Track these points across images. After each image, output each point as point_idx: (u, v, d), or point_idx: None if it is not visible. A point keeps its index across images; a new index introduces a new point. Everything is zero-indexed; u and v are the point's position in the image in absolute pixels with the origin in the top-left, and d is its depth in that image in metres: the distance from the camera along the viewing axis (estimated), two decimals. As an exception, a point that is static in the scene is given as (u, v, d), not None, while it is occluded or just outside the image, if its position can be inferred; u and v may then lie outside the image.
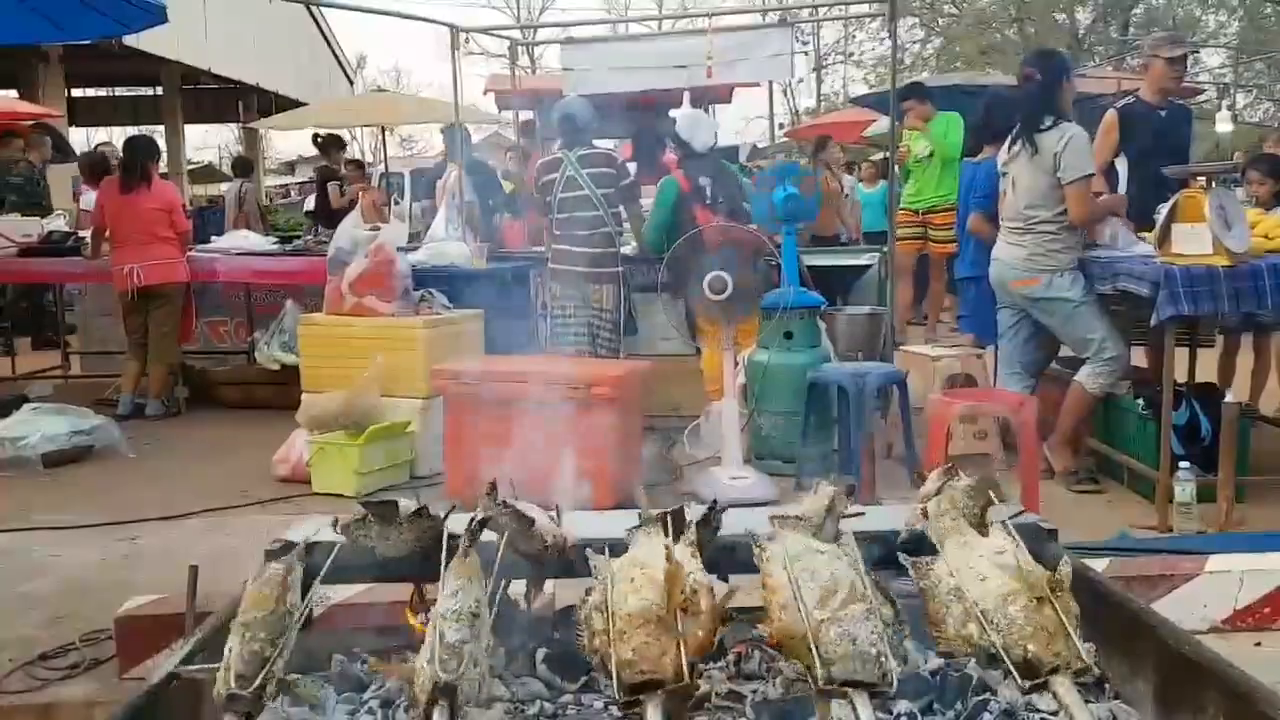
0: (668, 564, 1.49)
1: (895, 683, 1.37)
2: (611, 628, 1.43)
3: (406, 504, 1.79)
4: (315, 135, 11.61)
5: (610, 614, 1.45)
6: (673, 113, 6.97)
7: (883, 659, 1.37)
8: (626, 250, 5.87)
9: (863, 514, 1.78)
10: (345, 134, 12.07)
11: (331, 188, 10.32)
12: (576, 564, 1.74)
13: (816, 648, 1.38)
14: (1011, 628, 1.43)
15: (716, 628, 1.48)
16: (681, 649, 1.40)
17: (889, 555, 1.73)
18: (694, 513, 1.75)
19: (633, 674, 1.38)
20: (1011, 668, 1.40)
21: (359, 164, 12.78)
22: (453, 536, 1.66)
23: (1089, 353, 4.64)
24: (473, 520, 1.68)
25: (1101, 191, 5.00)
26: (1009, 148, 4.77)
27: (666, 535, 1.66)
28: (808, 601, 1.45)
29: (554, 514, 1.87)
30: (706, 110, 10.01)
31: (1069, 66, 5.03)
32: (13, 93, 13.74)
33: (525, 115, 8.84)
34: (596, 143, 6.01)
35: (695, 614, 1.46)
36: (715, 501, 1.81)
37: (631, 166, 7.64)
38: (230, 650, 1.48)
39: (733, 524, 1.80)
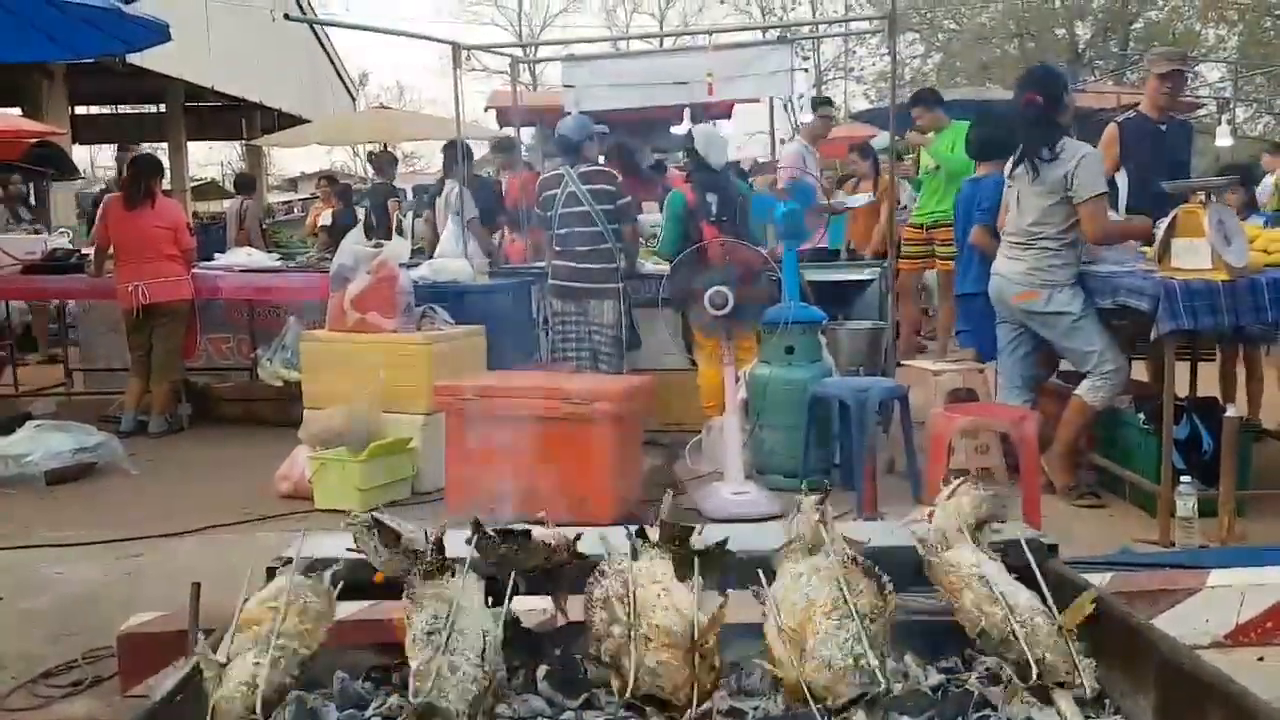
0: (710, 616, 1.53)
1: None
2: (633, 623, 1.48)
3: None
4: (371, 153, 11.77)
5: (633, 612, 1.51)
6: (682, 129, 6.98)
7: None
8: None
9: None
10: (348, 150, 12.19)
11: (391, 204, 10.34)
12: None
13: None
14: (1011, 641, 1.43)
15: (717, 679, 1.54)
16: (694, 687, 1.46)
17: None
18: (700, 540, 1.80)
19: (651, 684, 1.43)
20: (1012, 673, 1.41)
21: (332, 179, 12.82)
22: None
23: (1089, 366, 4.64)
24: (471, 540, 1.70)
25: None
26: (1014, 165, 4.77)
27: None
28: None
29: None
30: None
31: (1067, 81, 5.04)
32: (16, 110, 13.76)
33: (509, 131, 8.83)
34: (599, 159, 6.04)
35: (705, 657, 1.50)
36: (726, 540, 1.87)
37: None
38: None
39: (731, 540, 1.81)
